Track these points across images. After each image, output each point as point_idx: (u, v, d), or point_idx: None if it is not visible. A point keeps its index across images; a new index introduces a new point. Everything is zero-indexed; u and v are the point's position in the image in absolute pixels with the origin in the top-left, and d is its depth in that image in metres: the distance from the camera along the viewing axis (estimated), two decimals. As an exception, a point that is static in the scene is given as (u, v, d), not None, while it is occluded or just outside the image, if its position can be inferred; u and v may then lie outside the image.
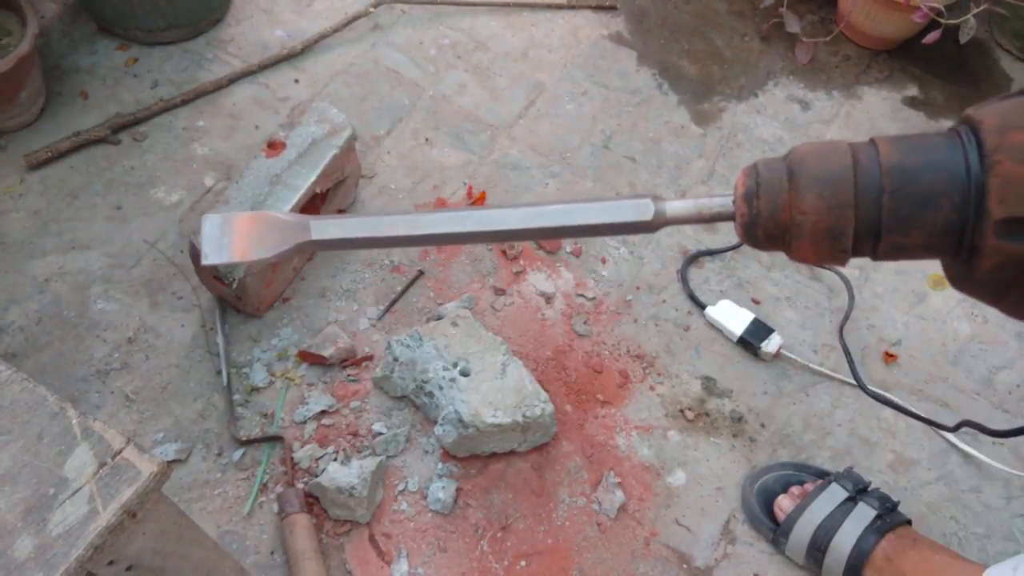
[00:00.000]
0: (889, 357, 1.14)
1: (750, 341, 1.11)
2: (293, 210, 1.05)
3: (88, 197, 1.17)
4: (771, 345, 1.10)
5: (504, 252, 1.20)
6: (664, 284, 1.18)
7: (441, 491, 0.99)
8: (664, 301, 1.17)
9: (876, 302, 1.19)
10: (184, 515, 0.61)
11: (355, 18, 1.39)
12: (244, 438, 1.00)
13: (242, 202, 1.03)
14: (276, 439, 1.01)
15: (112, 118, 1.22)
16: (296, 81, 1.32)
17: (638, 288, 1.17)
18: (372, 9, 1.41)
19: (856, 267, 1.22)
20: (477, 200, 1.22)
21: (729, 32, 1.48)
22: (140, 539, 0.55)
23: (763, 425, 1.06)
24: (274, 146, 1.08)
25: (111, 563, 0.54)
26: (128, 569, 0.56)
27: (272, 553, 0.94)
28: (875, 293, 1.20)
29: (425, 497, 0.99)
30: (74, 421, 0.53)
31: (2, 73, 1.13)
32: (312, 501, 0.97)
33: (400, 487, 1.00)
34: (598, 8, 1.48)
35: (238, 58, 1.34)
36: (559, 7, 1.47)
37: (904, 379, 1.13)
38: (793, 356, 1.12)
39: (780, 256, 1.22)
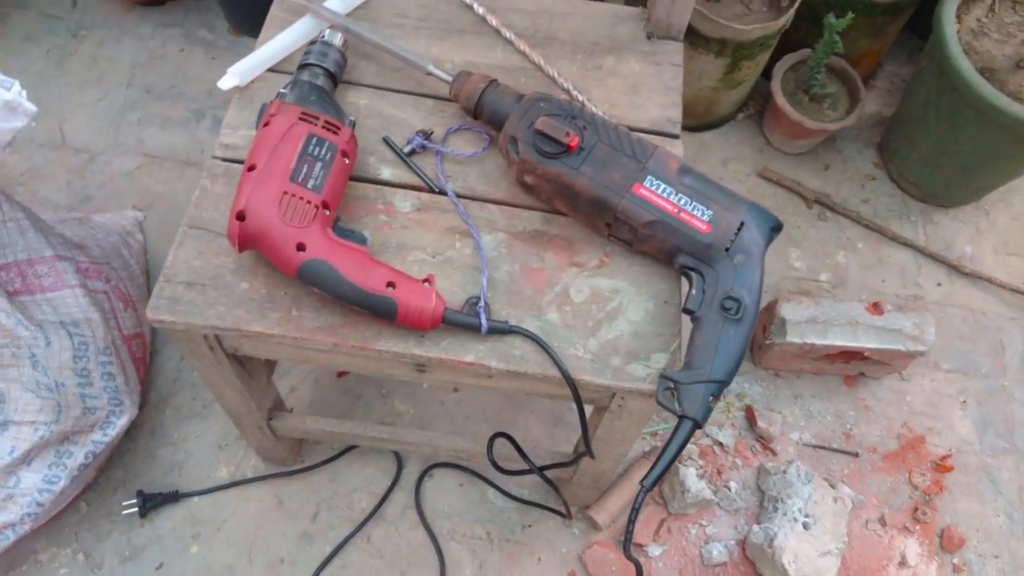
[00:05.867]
0: None
1: None
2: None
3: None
4: None
5: (917, 510, 1.29)
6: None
7: (716, 552, 1.27)
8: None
9: None
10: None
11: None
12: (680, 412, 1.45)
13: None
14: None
15: (822, 195, 1.56)
16: (938, 284, 1.50)
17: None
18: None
19: None
20: None
21: None
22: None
23: None
24: (877, 307, 1.38)
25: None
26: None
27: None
28: None
29: (705, 543, 1.30)
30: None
31: (808, 127, 1.60)
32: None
33: (704, 522, 1.32)
34: None
35: (927, 238, 1.55)
36: None
37: None
38: None
39: None
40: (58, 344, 1.02)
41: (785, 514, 1.22)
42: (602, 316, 0.80)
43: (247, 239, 0.74)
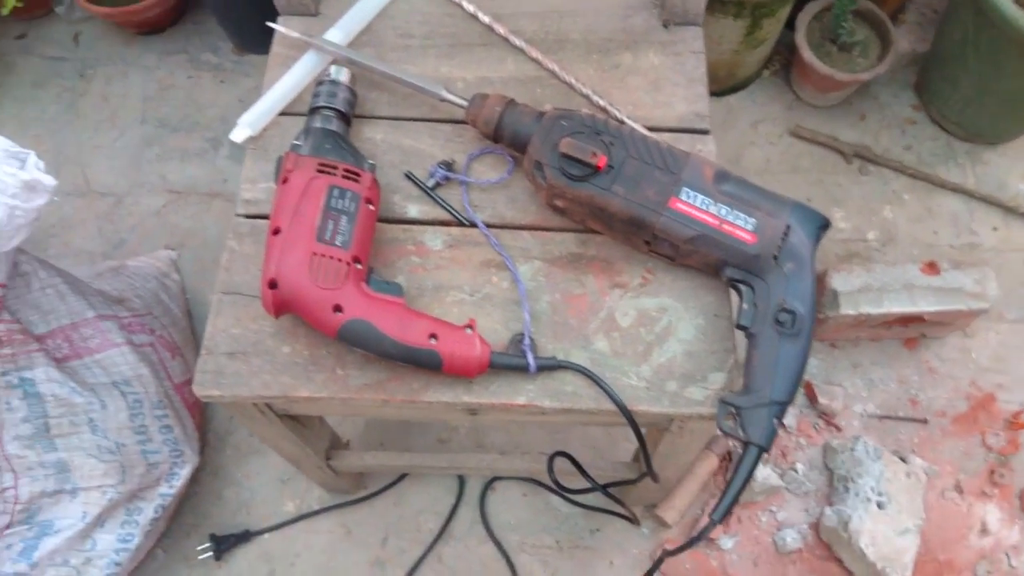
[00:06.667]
0: None
1: None
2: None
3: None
4: None
5: (994, 473, 1.25)
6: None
7: (790, 538, 1.23)
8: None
9: None
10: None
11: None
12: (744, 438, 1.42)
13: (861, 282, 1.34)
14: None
15: (861, 147, 1.49)
16: (994, 229, 1.43)
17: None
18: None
19: None
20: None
21: None
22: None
23: None
24: (932, 267, 1.31)
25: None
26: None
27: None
28: None
29: (777, 530, 1.27)
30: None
31: (839, 80, 1.53)
32: (726, 460, 1.36)
33: (774, 508, 1.29)
34: None
35: (978, 180, 1.47)
36: None
37: None
38: None
39: None
40: (113, 405, 1.03)
41: (857, 494, 1.19)
42: (652, 339, 0.77)
43: (282, 306, 0.72)
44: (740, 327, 0.73)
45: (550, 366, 0.75)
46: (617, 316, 0.78)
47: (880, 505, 1.18)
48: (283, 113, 0.88)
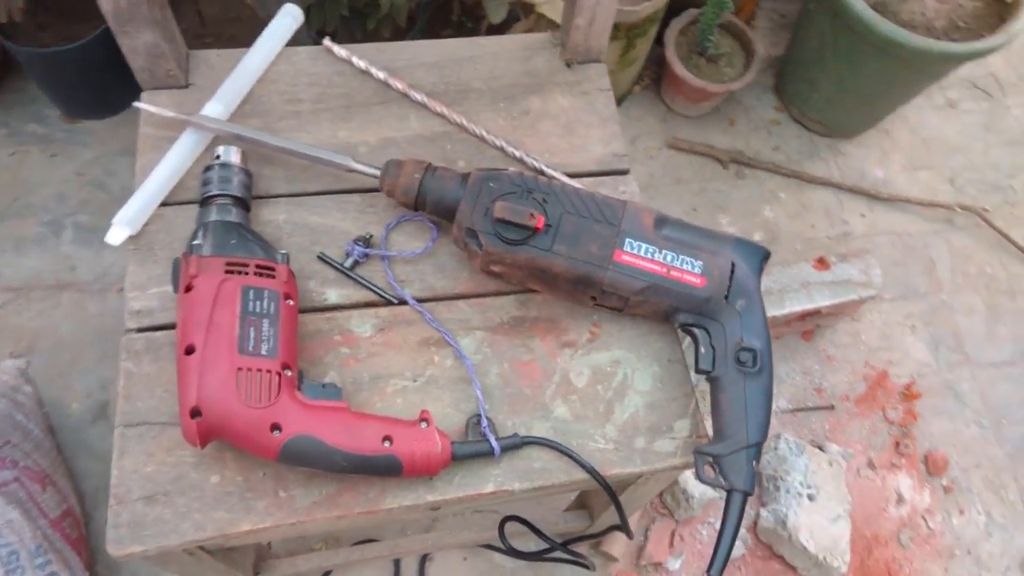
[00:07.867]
0: None
1: None
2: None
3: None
4: None
5: (899, 445, 1.33)
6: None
7: None
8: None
9: None
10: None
11: (939, 206, 1.54)
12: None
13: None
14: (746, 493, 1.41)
15: (734, 152, 1.56)
16: (862, 216, 1.54)
17: (969, 552, 1.22)
18: (957, 208, 1.53)
19: None
20: None
21: None
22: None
23: None
24: (822, 262, 1.37)
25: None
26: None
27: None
28: None
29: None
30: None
31: (712, 91, 1.61)
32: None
33: (712, 519, 1.28)
34: None
35: (841, 171, 1.58)
36: None
37: None
38: None
39: None
40: (-16, 564, 0.88)
41: (788, 491, 1.23)
42: (611, 395, 0.74)
43: (208, 434, 0.63)
44: (702, 371, 0.72)
45: (515, 445, 0.70)
46: (572, 377, 0.74)
47: (811, 497, 1.22)
48: (164, 203, 0.78)
